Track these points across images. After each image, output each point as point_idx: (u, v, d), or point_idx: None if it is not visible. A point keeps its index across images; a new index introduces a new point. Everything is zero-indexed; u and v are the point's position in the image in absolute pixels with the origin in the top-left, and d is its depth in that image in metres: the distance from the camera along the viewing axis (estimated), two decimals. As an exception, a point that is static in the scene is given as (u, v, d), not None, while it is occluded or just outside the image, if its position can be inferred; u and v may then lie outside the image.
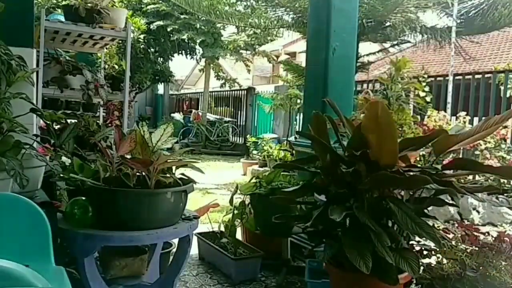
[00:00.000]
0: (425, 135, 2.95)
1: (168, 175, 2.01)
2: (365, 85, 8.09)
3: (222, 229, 3.23)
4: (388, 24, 6.34)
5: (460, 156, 4.80)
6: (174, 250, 2.44)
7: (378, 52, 7.93)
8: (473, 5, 6.76)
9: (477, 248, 2.31)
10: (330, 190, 2.01)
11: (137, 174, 1.94)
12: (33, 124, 2.35)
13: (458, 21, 6.65)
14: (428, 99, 3.80)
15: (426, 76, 4.84)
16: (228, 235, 3.09)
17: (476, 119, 6.29)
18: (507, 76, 6.43)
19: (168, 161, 1.97)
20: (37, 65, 2.95)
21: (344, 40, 3.15)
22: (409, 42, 7.40)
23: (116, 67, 4.15)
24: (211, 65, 14.40)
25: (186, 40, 12.42)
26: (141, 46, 11.32)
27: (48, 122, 2.62)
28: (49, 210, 1.77)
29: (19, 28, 2.35)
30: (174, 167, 2.08)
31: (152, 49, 12.32)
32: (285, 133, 9.73)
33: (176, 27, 12.00)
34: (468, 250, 2.31)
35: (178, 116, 14.32)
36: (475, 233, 2.45)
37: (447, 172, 1.91)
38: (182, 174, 2.11)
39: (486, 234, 2.53)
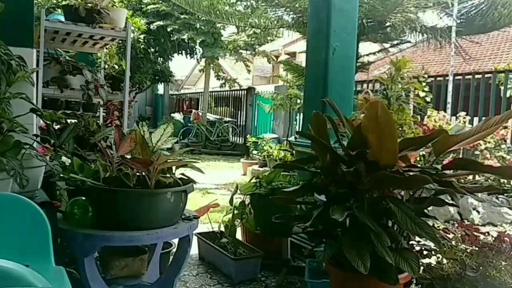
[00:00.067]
0: (425, 135, 2.94)
1: (168, 175, 2.01)
2: (365, 85, 8.09)
3: (222, 229, 3.23)
4: (388, 24, 6.33)
5: (460, 156, 4.80)
6: (174, 250, 2.44)
7: (378, 52, 7.91)
8: (473, 5, 6.76)
9: (477, 248, 2.31)
10: (330, 190, 2.01)
11: (137, 174, 1.95)
12: (33, 124, 2.35)
13: (458, 21, 6.64)
14: (428, 99, 3.79)
15: (426, 76, 4.83)
16: (228, 235, 3.09)
17: (476, 119, 6.30)
18: (507, 76, 6.43)
19: (168, 161, 1.97)
20: (37, 65, 2.95)
21: (344, 40, 3.16)
22: (409, 42, 7.39)
23: (116, 67, 4.15)
24: (211, 65, 14.39)
25: (186, 40, 12.40)
26: (141, 46, 11.32)
27: (48, 122, 2.62)
28: (49, 210, 1.77)
29: (19, 28, 2.34)
30: (174, 167, 2.08)
31: (152, 49, 12.31)
32: (285, 133, 9.73)
33: (176, 27, 11.99)
34: (468, 250, 2.31)
35: (178, 116, 14.31)
36: (475, 233, 2.45)
37: (447, 172, 1.91)
38: (182, 174, 2.11)
39: (486, 234, 2.53)
